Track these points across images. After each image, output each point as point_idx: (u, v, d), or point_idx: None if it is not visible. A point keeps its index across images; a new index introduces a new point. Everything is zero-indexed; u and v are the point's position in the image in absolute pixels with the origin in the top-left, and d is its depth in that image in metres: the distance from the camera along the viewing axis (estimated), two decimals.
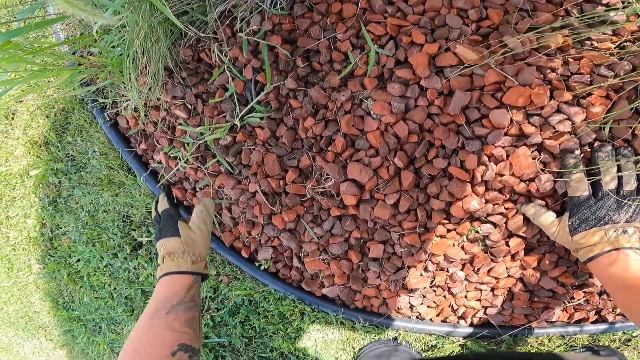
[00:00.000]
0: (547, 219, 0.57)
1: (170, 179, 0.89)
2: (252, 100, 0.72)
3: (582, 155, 0.56)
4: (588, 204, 0.54)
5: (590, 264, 0.55)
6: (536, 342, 0.79)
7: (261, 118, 0.71)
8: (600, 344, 0.77)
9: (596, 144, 0.56)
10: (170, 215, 0.68)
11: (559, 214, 0.58)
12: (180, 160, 0.83)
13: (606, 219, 0.53)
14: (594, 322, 0.74)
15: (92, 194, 1.08)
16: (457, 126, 0.60)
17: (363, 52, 0.65)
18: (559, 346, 0.79)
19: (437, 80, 0.59)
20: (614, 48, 0.55)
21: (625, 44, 0.56)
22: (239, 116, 0.72)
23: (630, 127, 0.54)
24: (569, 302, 0.68)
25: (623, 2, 0.56)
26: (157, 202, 0.75)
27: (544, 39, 0.56)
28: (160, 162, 0.88)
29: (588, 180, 0.55)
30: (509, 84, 0.56)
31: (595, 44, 0.56)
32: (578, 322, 0.74)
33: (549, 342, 0.79)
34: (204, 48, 0.76)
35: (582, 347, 0.76)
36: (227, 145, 0.76)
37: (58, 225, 1.16)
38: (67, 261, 1.19)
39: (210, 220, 0.71)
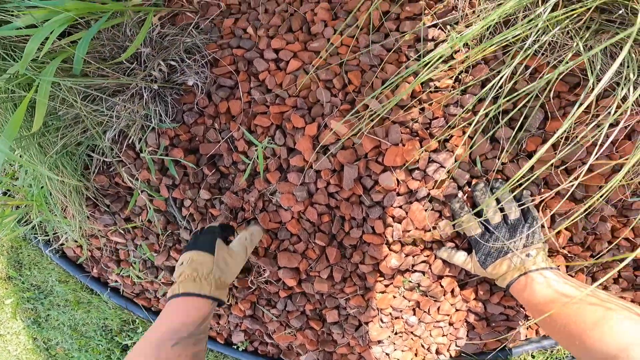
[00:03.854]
0: (459, 258, 0.61)
1: (131, 292, 0.91)
2: (177, 216, 0.74)
3: (465, 196, 0.60)
4: (484, 239, 0.57)
5: (510, 290, 0.59)
6: None
7: (190, 231, 0.73)
8: None
9: (473, 181, 0.60)
10: (213, 231, 0.60)
11: (470, 250, 0.62)
12: (132, 277, 0.85)
13: (505, 249, 0.56)
14: None
15: (67, 313, 1.10)
16: (358, 197, 0.63)
17: (259, 145, 0.68)
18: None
19: (325, 161, 0.62)
20: (453, 83, 0.58)
21: (460, 75, 0.59)
22: (165, 235, 0.74)
23: (496, 158, 0.58)
24: (525, 321, 0.71)
25: (446, 34, 0.59)
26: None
27: (396, 91, 0.59)
28: (116, 281, 0.90)
29: (478, 218, 0.58)
30: (384, 147, 0.60)
31: (437, 84, 0.59)
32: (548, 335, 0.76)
33: (532, 359, 0.81)
34: (116, 173, 0.77)
35: (567, 358, 0.77)
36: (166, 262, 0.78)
37: (48, 338, 1.20)
38: None
39: (251, 249, 0.64)
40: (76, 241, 0.88)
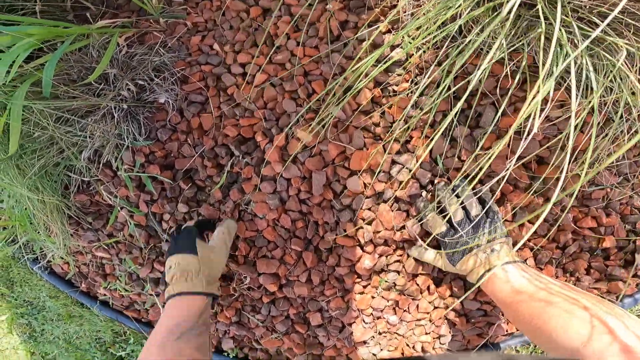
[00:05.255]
0: (429, 256, 0.63)
1: (121, 305, 0.93)
2: (158, 229, 0.76)
3: (429, 195, 0.62)
4: (450, 236, 0.59)
5: (481, 287, 0.61)
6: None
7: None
8: None
9: (436, 180, 0.62)
10: (190, 231, 0.62)
11: (439, 247, 0.64)
12: (119, 290, 0.87)
13: (471, 245, 0.58)
14: None
15: (61, 327, 1.12)
16: (329, 202, 0.65)
17: (232, 157, 0.69)
18: (531, 353, 0.81)
19: (295, 169, 0.64)
20: (410, 85, 0.60)
21: (416, 78, 0.60)
22: (147, 248, 0.76)
23: (455, 156, 0.60)
24: (502, 315, 0.72)
25: (402, 39, 0.60)
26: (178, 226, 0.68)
27: (358, 98, 0.61)
28: (105, 295, 0.92)
29: (443, 215, 0.60)
30: (349, 152, 0.62)
31: (395, 88, 0.60)
32: None
33: (517, 353, 0.80)
34: (95, 191, 0.79)
35: None
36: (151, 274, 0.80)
37: (45, 352, 1.22)
38: None
39: (230, 242, 0.66)
40: (62, 258, 0.90)
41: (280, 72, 0.66)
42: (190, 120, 0.71)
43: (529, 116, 0.42)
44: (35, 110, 0.68)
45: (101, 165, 0.75)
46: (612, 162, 0.60)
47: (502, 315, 0.72)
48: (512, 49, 0.51)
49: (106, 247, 0.82)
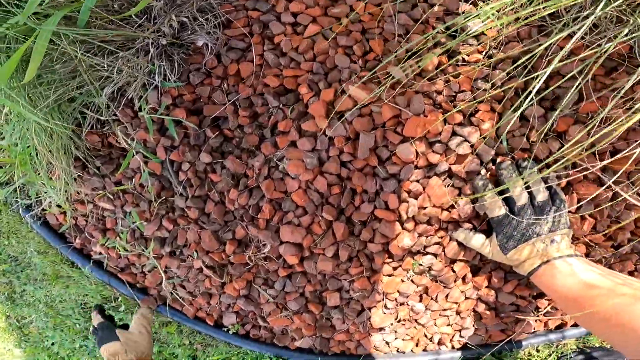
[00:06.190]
0: (478, 241, 0.58)
1: (116, 266, 0.85)
2: (174, 180, 0.69)
3: (488, 174, 0.56)
4: (507, 221, 0.54)
5: (531, 279, 0.56)
6: (524, 354, 0.78)
7: (186, 198, 0.68)
8: (592, 345, 0.75)
9: (498, 159, 0.56)
10: (107, 325, 0.71)
11: (489, 233, 0.58)
12: (118, 248, 0.79)
13: (530, 233, 0.53)
14: (574, 326, 0.73)
15: (44, 288, 1.03)
16: (372, 168, 0.59)
17: (269, 108, 0.64)
18: (549, 355, 0.78)
19: (340, 127, 0.58)
20: (483, 57, 0.56)
21: (491, 51, 0.56)
22: (158, 202, 0.69)
23: (524, 136, 0.55)
24: (535, 312, 0.68)
25: (476, 7, 0.56)
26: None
27: (422, 61, 0.56)
28: (100, 253, 0.84)
29: (502, 197, 0.55)
30: (404, 116, 0.56)
31: (466, 58, 0.56)
32: (558, 328, 0.73)
33: (537, 352, 0.78)
34: (110, 132, 0.72)
35: (573, 352, 0.72)
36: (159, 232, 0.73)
37: (22, 316, 1.12)
38: (43, 345, 1.15)
39: (149, 327, 0.75)
40: (60, 206, 0.82)
41: (336, 27, 0.61)
42: (228, 65, 0.66)
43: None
44: (64, 40, 0.62)
45: (122, 104, 0.69)
46: None
47: (537, 311, 0.66)
48: (611, 35, 0.47)
49: (111, 197, 0.75)
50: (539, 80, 0.44)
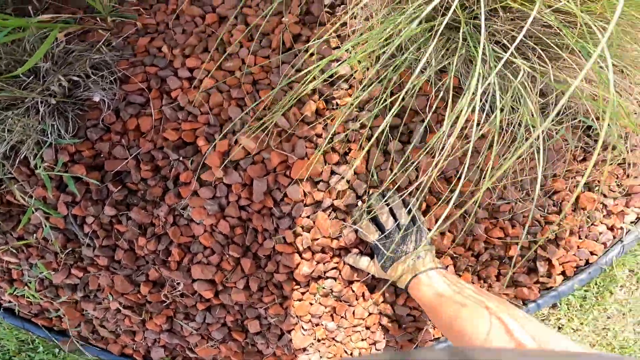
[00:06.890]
0: (364, 263, 0.67)
1: (29, 312, 0.83)
2: (79, 233, 0.70)
3: (364, 204, 0.66)
4: (381, 244, 0.63)
5: (408, 291, 0.65)
6: None
7: (94, 248, 0.70)
8: None
9: (370, 191, 0.66)
10: None
11: (373, 255, 0.68)
12: (28, 296, 0.78)
13: (399, 252, 0.62)
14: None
15: None
16: (269, 209, 0.66)
17: (170, 161, 0.68)
18: None
19: (236, 175, 0.64)
20: (352, 100, 0.64)
21: (359, 93, 0.65)
22: (64, 253, 0.70)
23: (389, 170, 0.66)
24: (430, 321, 0.76)
25: (348, 52, 0.64)
26: None
27: (303, 109, 0.64)
28: (10, 301, 0.82)
29: (375, 224, 0.64)
30: (291, 160, 0.64)
31: (338, 102, 0.65)
32: None
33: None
34: (7, 190, 0.71)
35: None
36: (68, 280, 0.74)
37: None
38: None
39: None
40: None
41: (230, 79, 0.67)
42: (127, 120, 0.68)
43: (450, 134, 0.48)
44: None
45: (17, 162, 0.68)
46: (517, 179, 0.69)
47: (429, 320, 0.77)
48: (439, 66, 0.57)
49: (14, 251, 0.74)
50: (391, 114, 0.52)
